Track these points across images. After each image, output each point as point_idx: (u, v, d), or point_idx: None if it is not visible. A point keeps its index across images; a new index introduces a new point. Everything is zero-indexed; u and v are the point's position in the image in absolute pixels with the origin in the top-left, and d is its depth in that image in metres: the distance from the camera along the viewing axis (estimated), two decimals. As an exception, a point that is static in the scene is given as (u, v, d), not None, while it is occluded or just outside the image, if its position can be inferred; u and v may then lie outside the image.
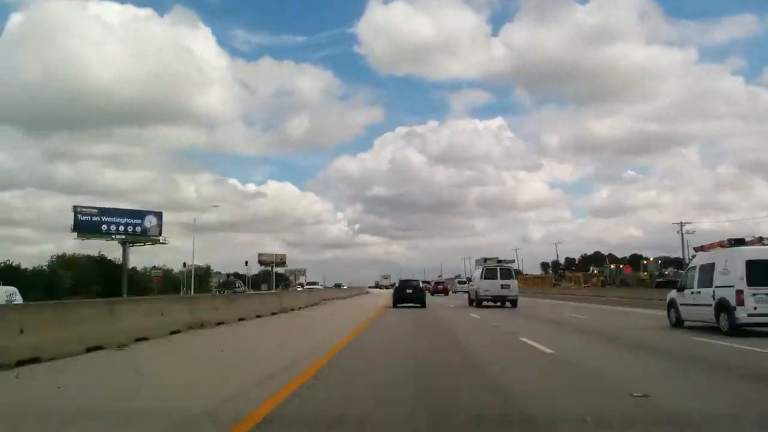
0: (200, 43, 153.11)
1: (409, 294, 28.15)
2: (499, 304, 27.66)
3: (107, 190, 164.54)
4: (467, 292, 36.39)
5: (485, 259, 30.05)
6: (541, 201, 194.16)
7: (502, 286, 27.40)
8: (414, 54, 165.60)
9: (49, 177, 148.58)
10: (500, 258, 30.42)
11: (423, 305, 27.48)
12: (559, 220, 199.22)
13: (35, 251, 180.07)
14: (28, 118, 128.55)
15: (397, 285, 32.20)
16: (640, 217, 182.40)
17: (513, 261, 31.51)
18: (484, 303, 27.97)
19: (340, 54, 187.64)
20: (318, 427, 4.81)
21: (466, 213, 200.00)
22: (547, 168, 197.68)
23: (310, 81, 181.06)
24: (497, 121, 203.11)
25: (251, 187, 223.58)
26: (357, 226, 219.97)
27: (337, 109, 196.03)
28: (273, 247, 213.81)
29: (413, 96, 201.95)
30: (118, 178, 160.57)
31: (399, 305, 27.37)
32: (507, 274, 28.11)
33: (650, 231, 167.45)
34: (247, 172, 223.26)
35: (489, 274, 27.82)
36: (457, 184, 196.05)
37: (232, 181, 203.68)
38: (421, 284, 31.93)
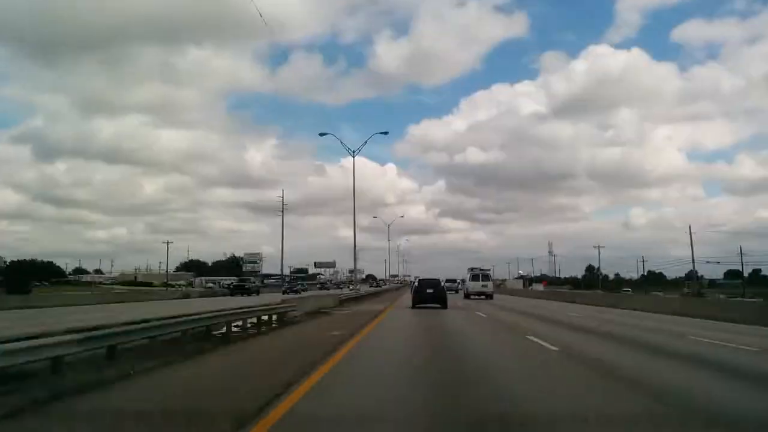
0: None
1: (429, 294, 27.30)
2: (483, 297, 41.40)
3: (157, 160, 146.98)
4: (457, 291, 50.74)
5: (472, 269, 47.91)
6: (671, 174, 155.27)
7: (482, 285, 42.90)
8: None
9: (90, 141, 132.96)
10: (482, 267, 50.03)
11: (444, 305, 26.57)
12: (688, 199, 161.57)
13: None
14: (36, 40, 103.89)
15: (416, 284, 30.72)
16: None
17: (489, 269, 53.25)
18: (472, 297, 41.93)
19: None
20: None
21: (573, 190, 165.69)
22: (704, 123, 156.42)
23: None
24: (674, 32, 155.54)
25: (322, 159, 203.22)
26: (438, 210, 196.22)
27: (448, 22, 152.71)
28: (346, 231, 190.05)
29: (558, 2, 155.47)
30: (170, 140, 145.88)
31: (419, 306, 26.72)
32: (485, 277, 44.71)
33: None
34: (321, 133, 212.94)
35: (474, 278, 44.22)
36: (572, 146, 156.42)
37: (301, 147, 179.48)
38: (442, 284, 30.40)
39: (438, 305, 26.57)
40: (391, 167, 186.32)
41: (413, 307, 26.75)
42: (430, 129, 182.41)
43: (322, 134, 54.59)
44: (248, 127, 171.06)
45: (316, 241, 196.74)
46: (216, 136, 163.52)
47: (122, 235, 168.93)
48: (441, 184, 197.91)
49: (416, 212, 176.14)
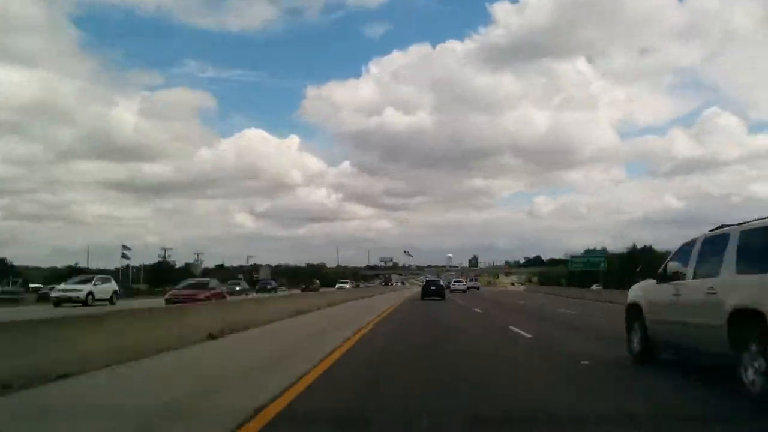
0: None
1: (433, 290, 39.31)
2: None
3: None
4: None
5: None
6: (602, 150, 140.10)
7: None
8: None
9: None
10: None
11: (443, 298, 37.91)
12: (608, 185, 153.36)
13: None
14: None
15: (424, 284, 43.84)
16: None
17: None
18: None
19: None
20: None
21: (492, 169, 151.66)
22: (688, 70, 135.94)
23: None
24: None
25: (210, 122, 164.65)
26: (340, 195, 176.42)
27: None
28: (240, 217, 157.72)
29: None
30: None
31: (425, 298, 37.48)
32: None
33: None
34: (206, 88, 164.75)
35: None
36: (506, 107, 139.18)
37: (183, 101, 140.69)
38: (441, 283, 44.05)
39: (439, 297, 37.76)
40: (293, 140, 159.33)
41: (422, 299, 36.92)
42: (342, 87, 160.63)
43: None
44: (108, 68, 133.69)
45: (208, 230, 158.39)
46: (67, 82, 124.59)
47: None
48: (348, 159, 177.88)
49: (319, 196, 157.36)
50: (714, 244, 6.53)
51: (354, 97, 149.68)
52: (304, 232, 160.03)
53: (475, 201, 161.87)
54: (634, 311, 8.14)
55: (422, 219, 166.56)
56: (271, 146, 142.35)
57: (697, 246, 6.89)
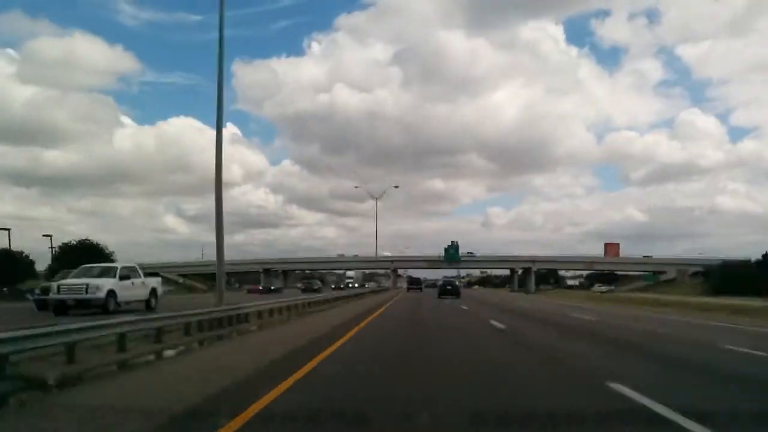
0: None
1: (415, 285, 59.80)
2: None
3: None
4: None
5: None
6: (577, 152, 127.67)
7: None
8: None
9: None
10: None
11: (421, 290, 56.74)
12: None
13: None
14: None
15: (408, 280, 64.23)
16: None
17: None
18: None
19: None
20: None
21: (457, 169, 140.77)
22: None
23: None
24: None
25: (123, 98, 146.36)
26: (281, 197, 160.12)
27: None
28: (168, 220, 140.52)
29: None
30: None
31: (410, 290, 57.02)
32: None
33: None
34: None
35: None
36: (477, 88, 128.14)
37: (86, 64, 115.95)
38: (421, 279, 66.84)
39: (419, 290, 58.25)
40: (230, 130, 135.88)
41: (407, 291, 56.31)
42: (286, 63, 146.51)
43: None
44: None
45: (130, 234, 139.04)
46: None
47: None
48: (289, 155, 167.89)
49: (258, 197, 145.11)
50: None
51: (302, 68, 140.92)
52: (240, 240, 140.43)
53: (436, 210, 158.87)
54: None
55: (369, 229, 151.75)
56: (202, 137, 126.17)
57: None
